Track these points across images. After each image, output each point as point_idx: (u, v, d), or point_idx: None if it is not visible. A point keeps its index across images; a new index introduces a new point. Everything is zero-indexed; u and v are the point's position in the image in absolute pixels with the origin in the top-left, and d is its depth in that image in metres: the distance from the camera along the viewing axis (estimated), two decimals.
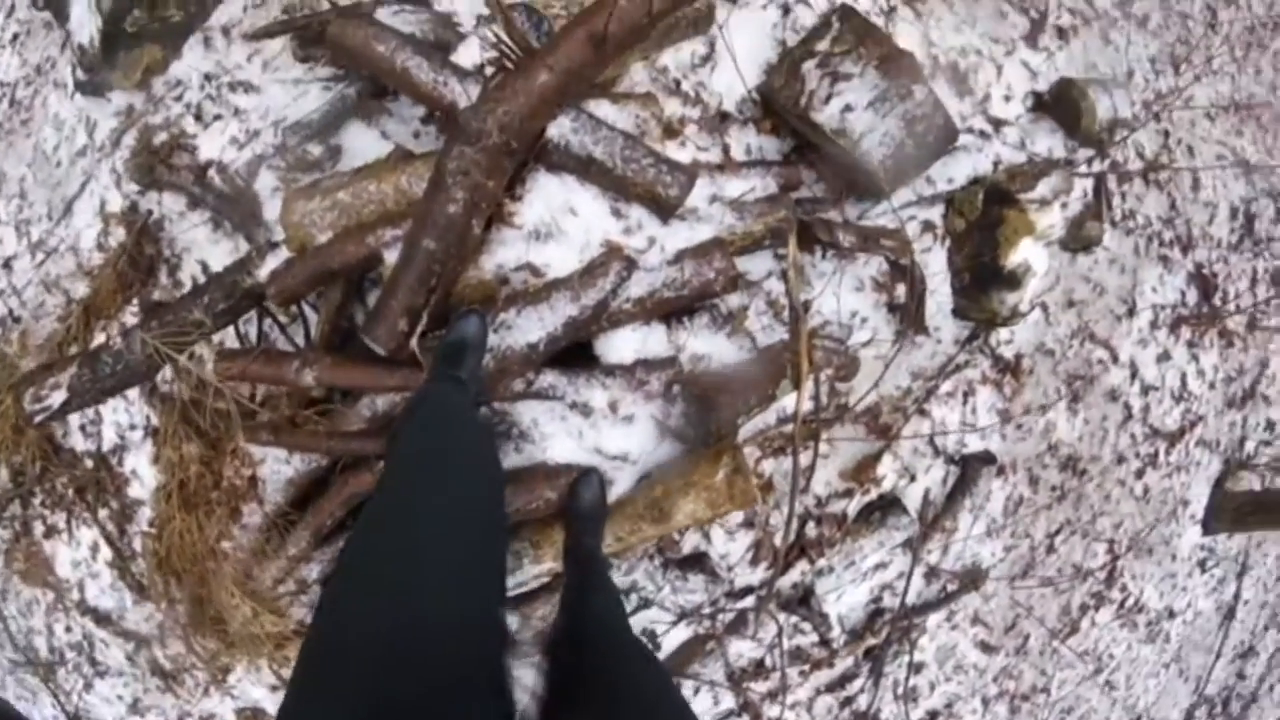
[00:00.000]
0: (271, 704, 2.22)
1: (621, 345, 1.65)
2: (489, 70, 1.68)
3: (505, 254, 1.63)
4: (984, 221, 2.10)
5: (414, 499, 0.91)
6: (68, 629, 2.47)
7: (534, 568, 1.73)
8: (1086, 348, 2.43)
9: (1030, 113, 2.36)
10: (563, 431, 1.65)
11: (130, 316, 2.08)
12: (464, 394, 1.36)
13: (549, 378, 1.63)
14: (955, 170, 2.16)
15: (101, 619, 2.37)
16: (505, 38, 1.62)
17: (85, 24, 2.23)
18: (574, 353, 1.66)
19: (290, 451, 1.80)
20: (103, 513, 2.22)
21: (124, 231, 2.14)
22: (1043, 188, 2.12)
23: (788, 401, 1.78)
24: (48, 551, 2.38)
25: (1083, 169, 2.36)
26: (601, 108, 1.67)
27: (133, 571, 2.23)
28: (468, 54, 1.74)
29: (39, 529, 2.38)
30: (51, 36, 2.48)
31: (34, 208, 2.33)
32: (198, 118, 2.09)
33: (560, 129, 1.59)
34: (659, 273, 1.62)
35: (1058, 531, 2.49)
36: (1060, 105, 2.33)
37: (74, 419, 2.19)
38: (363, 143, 1.95)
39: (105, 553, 2.25)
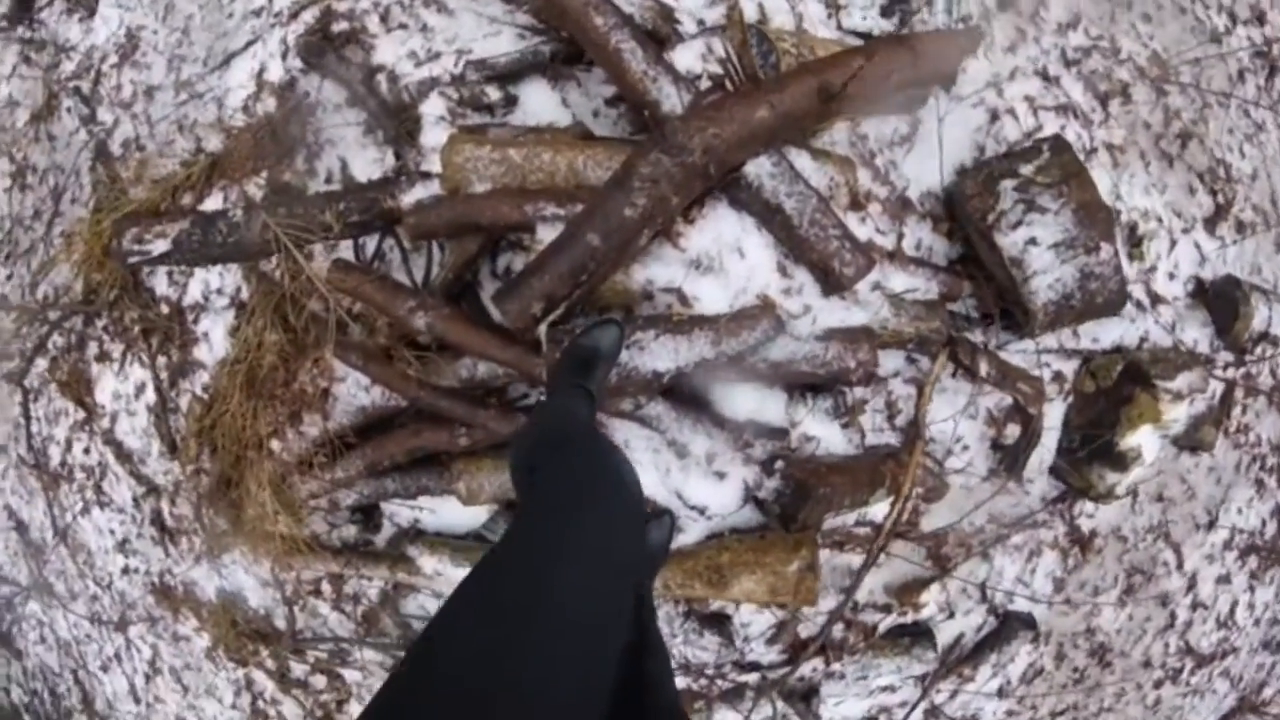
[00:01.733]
0: (256, 598, 2.16)
1: (739, 400, 1.59)
2: (704, 83, 1.62)
3: (659, 271, 1.57)
4: (1114, 394, 2.03)
5: (562, 554, 0.82)
6: (86, 451, 2.45)
7: None
8: (1158, 546, 2.35)
9: (1189, 298, 2.27)
10: (652, 464, 1.59)
11: (254, 188, 2.04)
12: (593, 410, 1.31)
13: (658, 407, 1.57)
14: (1104, 333, 2.08)
15: (123, 455, 2.34)
16: (735, 58, 1.56)
17: None
18: (689, 393, 1.60)
19: (373, 382, 1.76)
20: (161, 360, 2.18)
21: (274, 103, 2.09)
22: (1181, 381, 2.03)
23: (874, 509, 1.71)
24: (93, 374, 2.35)
25: (1219, 371, 2.28)
26: (801, 159, 1.60)
27: (170, 425, 2.20)
28: (685, 57, 1.68)
29: (93, 349, 2.35)
30: None
31: (193, 48, 2.29)
32: (383, 20, 2.04)
33: (759, 169, 1.52)
34: (803, 344, 1.56)
35: (1062, 713, 2.42)
36: (1220, 301, 2.24)
37: None
38: (541, 102, 1.89)
39: (150, 397, 2.21)
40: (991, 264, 1.85)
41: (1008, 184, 1.82)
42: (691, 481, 1.58)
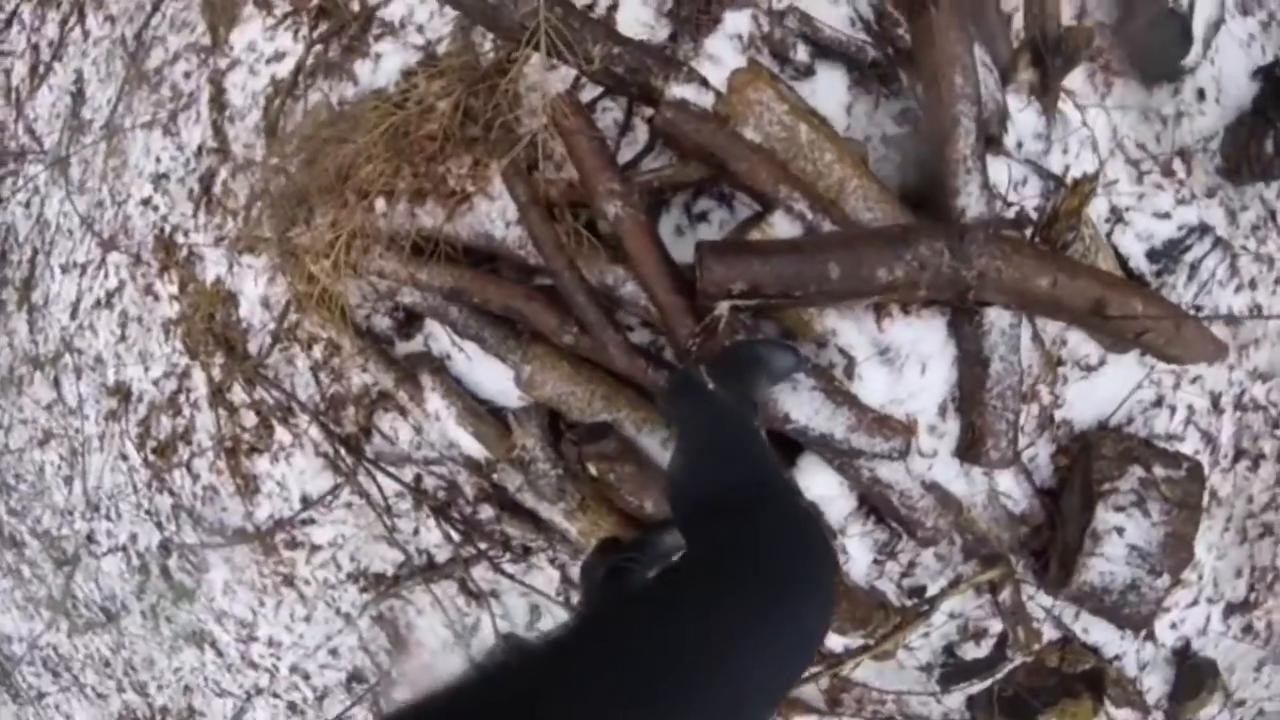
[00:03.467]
0: (247, 310, 2.00)
1: (816, 478, 1.56)
2: (1010, 214, 1.56)
3: (848, 331, 1.51)
4: (1067, 682, 2.11)
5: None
6: (187, 75, 2.23)
7: None
8: None
9: (1171, 653, 2.29)
10: None
11: None
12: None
13: None
14: (1099, 633, 2.14)
15: (218, 102, 2.10)
16: (1052, 216, 1.50)
17: None
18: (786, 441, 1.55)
19: (522, 224, 1.63)
20: (318, 47, 1.96)
21: None
22: (1122, 716, 2.13)
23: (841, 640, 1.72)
24: (243, 14, 2.08)
25: None
26: (1027, 334, 1.57)
27: (282, 110, 1.99)
28: (1000, 172, 1.61)
29: None
30: None
31: None
32: None
33: (999, 319, 1.48)
34: (907, 479, 1.54)
35: None
36: (1192, 674, 2.21)
37: None
38: (830, 92, 1.76)
39: (283, 70, 1.98)
40: (1069, 515, 1.88)
41: (1137, 470, 1.84)
42: None
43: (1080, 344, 1.83)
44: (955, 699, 2.17)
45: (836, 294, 1.38)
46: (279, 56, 1.99)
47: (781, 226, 1.48)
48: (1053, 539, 1.90)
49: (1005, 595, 1.81)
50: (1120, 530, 1.81)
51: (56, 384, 2.30)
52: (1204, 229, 1.85)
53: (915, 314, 1.51)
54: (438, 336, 1.87)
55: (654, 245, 1.52)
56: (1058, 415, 1.87)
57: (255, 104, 1.99)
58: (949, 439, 1.56)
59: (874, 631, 1.72)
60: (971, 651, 2.00)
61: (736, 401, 1.24)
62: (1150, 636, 2.21)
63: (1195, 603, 2.24)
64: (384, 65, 1.89)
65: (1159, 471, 1.85)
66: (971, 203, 1.47)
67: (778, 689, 0.75)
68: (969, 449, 1.55)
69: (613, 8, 1.88)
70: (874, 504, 1.61)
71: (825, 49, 1.82)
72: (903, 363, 1.52)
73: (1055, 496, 1.94)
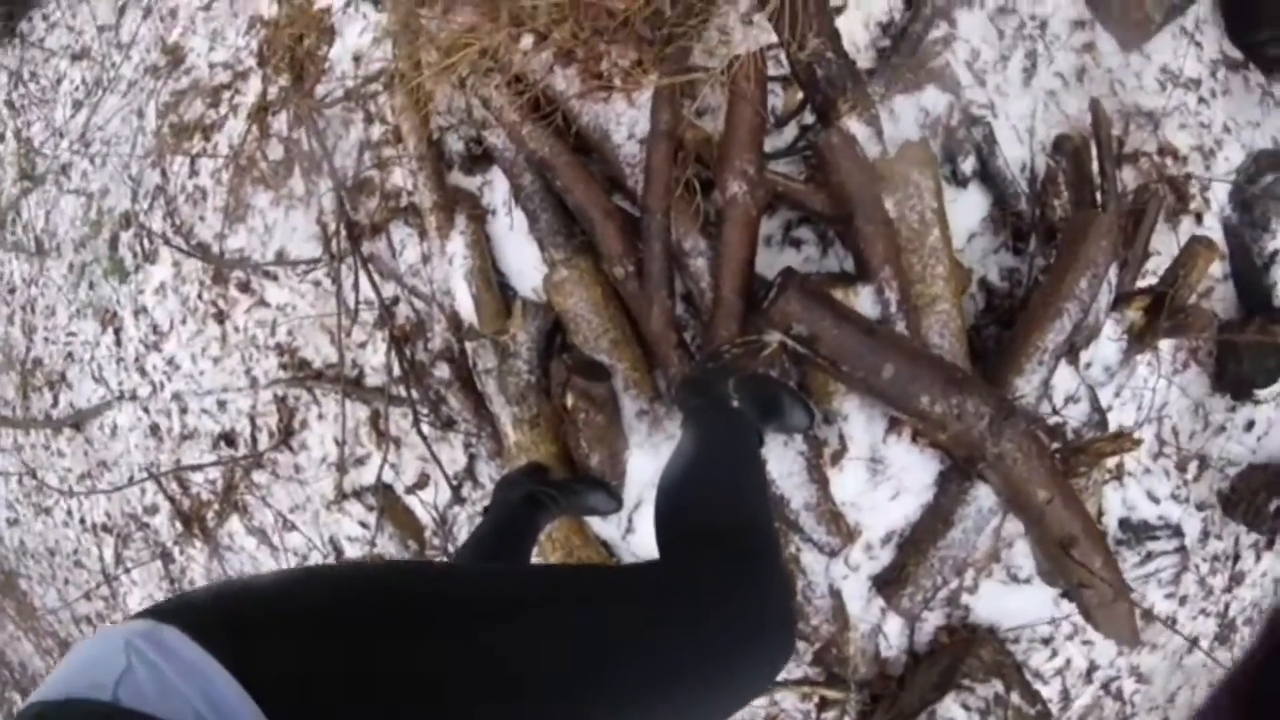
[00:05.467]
0: (344, 42, 1.87)
1: None
2: (1051, 418, 1.58)
3: (858, 422, 1.51)
4: None
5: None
6: None
7: None
8: None
9: None
10: None
11: None
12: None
13: None
14: None
15: None
16: (1070, 447, 1.53)
17: None
18: None
19: (642, 148, 1.56)
20: None
21: None
22: None
23: None
24: None
25: None
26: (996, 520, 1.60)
27: None
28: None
29: None
30: None
31: None
32: None
33: (984, 498, 1.51)
34: (821, 582, 1.56)
35: None
36: None
37: None
38: None
39: None
40: (920, 685, 1.94)
41: (997, 685, 1.92)
42: None
43: (1023, 554, 1.88)
44: None
45: (876, 390, 1.38)
46: None
47: (865, 302, 1.47)
48: (895, 697, 1.97)
49: (830, 716, 1.87)
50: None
51: (121, 12, 2.12)
52: (1177, 532, 1.92)
53: (921, 447, 1.52)
54: (497, 189, 1.80)
55: (749, 241, 1.49)
56: (965, 599, 1.92)
57: None
58: (876, 565, 1.59)
59: None
60: None
61: (751, 434, 1.22)
62: None
63: None
64: None
65: (1015, 698, 1.93)
66: (1029, 391, 1.49)
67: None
68: (887, 585, 1.58)
69: (840, 8, 1.82)
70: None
71: (988, 173, 1.80)
72: (884, 479, 1.53)
73: (918, 662, 2.01)
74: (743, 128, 1.47)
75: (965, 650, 1.94)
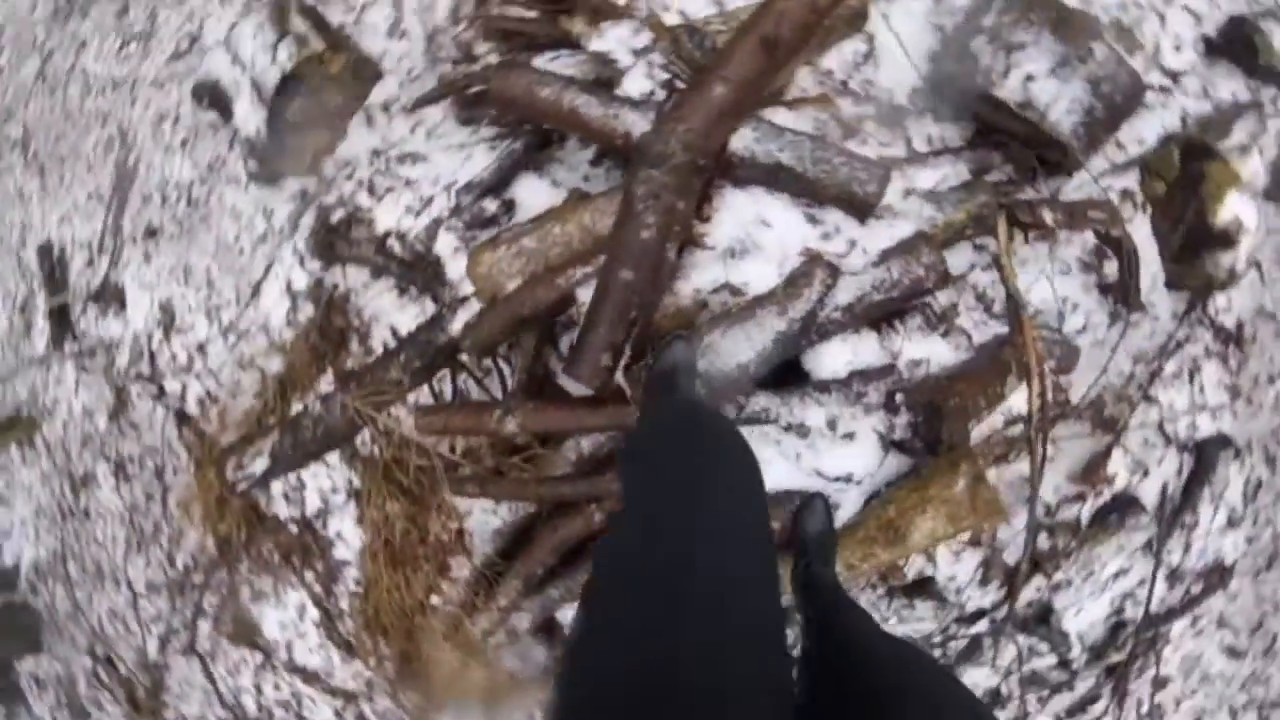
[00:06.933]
0: None
1: (833, 358, 1.57)
2: (659, 95, 1.67)
3: (701, 277, 1.59)
4: (1185, 180, 1.93)
5: (679, 510, 0.84)
6: (276, 687, 2.56)
7: None
8: None
9: (1204, 58, 2.16)
10: (779, 456, 1.57)
11: (325, 385, 2.16)
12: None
13: (761, 400, 1.56)
14: (1144, 130, 1.98)
15: (309, 677, 2.44)
16: (674, 59, 1.61)
17: (250, 118, 2.39)
18: (784, 374, 1.59)
19: (497, 501, 1.80)
20: (309, 575, 2.29)
21: (312, 307, 2.24)
22: (1239, 133, 1.95)
23: (1014, 401, 1.64)
24: (255, 615, 2.48)
25: (1270, 108, 2.14)
26: (779, 115, 1.62)
27: (340, 630, 2.29)
28: (634, 84, 1.73)
29: (246, 593, 2.49)
30: (219, 136, 2.67)
31: (222, 294, 2.48)
32: (370, 192, 2.18)
33: (743, 140, 1.55)
34: (865, 275, 1.54)
35: None
36: (1233, 45, 2.14)
37: (277, 487, 2.28)
38: (536, 194, 1.96)
39: (312, 613, 2.32)
40: (1005, 121, 1.80)
41: (978, 41, 1.79)
42: (824, 454, 1.54)
43: (837, 58, 1.85)
44: (1162, 301, 1.98)
45: (651, 285, 1.48)
46: (301, 609, 2.31)
47: (587, 298, 1.61)
48: (1019, 149, 1.82)
49: (1048, 215, 1.71)
50: (1029, 78, 1.74)
51: None
52: None
53: (711, 210, 1.58)
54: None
55: (557, 408, 1.66)
56: (898, 100, 1.85)
57: (325, 648, 2.29)
58: (844, 223, 1.57)
59: (1023, 363, 1.63)
60: (1110, 269, 1.87)
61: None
62: (1176, 78, 2.02)
63: (1163, 16, 2.08)
64: (345, 533, 2.18)
65: (988, 20, 1.79)
66: (637, 126, 1.58)
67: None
68: (856, 209, 1.56)
69: (392, 330, 2.15)
70: (881, 316, 1.60)
71: (500, 182, 2.01)
72: (751, 239, 1.56)
73: (984, 129, 1.88)
74: None
75: None
